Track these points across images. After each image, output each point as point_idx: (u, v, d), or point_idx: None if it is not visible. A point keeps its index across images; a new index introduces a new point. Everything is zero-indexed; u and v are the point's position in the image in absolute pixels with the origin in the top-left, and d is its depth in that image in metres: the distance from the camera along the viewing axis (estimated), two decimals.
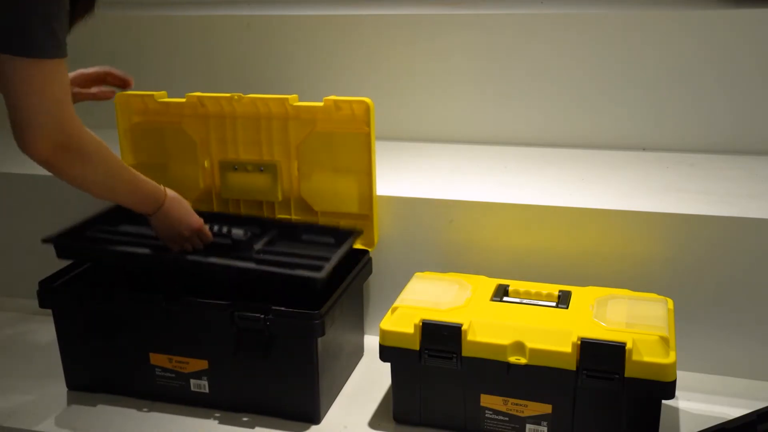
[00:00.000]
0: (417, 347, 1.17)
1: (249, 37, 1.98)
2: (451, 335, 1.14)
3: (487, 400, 1.17)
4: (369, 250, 1.44)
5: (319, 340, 1.20)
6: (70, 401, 1.32)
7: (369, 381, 1.38)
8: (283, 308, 1.20)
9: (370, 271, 1.43)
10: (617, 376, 1.08)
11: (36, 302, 1.30)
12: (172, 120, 1.51)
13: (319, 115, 1.42)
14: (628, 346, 1.08)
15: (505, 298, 1.26)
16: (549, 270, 1.41)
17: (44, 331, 1.43)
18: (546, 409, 1.15)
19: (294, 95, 1.45)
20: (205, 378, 1.26)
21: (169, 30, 2.04)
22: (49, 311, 1.31)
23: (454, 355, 1.15)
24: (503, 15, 1.82)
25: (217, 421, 1.25)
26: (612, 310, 1.20)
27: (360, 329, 1.47)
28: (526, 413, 1.16)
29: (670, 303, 1.25)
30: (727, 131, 1.71)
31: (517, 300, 1.26)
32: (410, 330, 1.17)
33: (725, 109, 1.70)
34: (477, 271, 1.44)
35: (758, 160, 1.64)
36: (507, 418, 1.17)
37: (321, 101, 1.42)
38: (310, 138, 1.44)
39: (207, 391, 1.27)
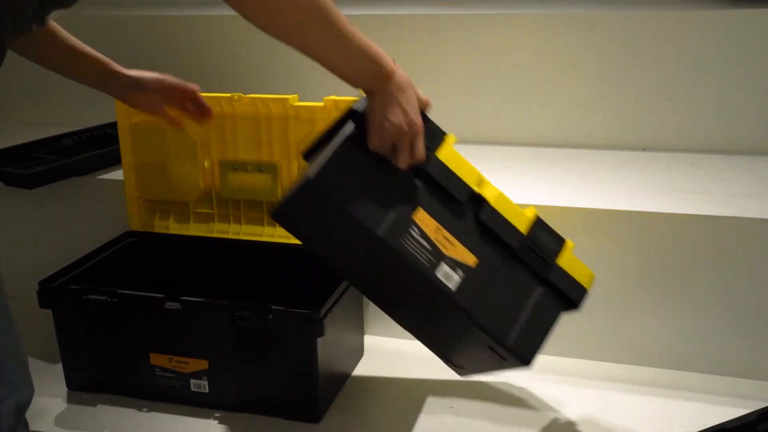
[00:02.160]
0: None
1: (249, 37, 1.98)
2: None
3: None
4: None
5: (319, 340, 1.20)
6: (70, 401, 1.32)
7: (369, 381, 1.38)
8: (283, 308, 1.20)
9: None
10: (550, 260, 1.13)
11: (36, 303, 1.30)
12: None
13: (319, 115, 1.42)
14: (567, 242, 1.14)
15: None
16: None
17: (44, 331, 1.42)
18: (472, 260, 1.07)
19: (294, 95, 1.45)
20: (205, 378, 1.26)
21: (169, 30, 2.04)
22: (49, 311, 1.31)
23: None
24: (503, 15, 1.82)
25: (217, 421, 1.25)
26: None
27: (360, 329, 1.47)
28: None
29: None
30: (727, 131, 1.71)
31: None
32: None
33: (725, 109, 1.70)
34: None
35: (758, 160, 1.64)
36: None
37: (321, 101, 1.42)
38: (310, 138, 1.44)
39: (207, 391, 1.27)
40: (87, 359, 1.32)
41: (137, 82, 1.32)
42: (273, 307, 1.20)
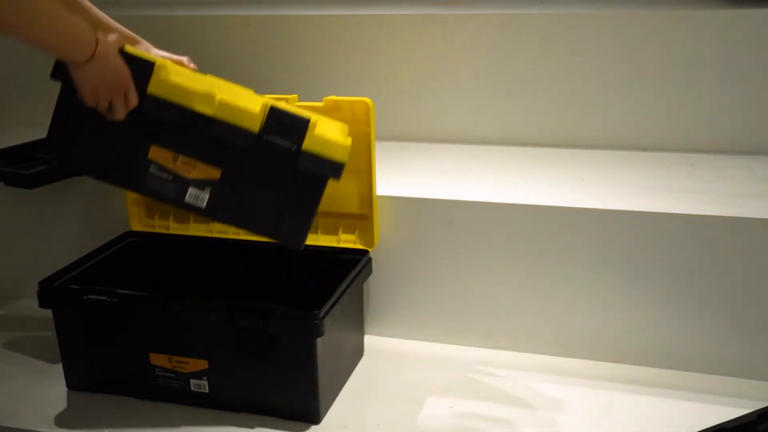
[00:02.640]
0: None
1: (249, 37, 1.98)
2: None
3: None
4: (369, 250, 1.44)
5: (319, 340, 1.20)
6: (70, 401, 1.32)
7: (369, 381, 1.38)
8: (283, 308, 1.20)
9: (370, 271, 1.43)
10: (295, 147, 1.14)
11: (36, 302, 1.30)
12: None
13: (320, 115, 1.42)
14: (312, 121, 1.14)
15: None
16: (550, 270, 1.41)
17: (44, 331, 1.42)
18: (215, 174, 1.15)
19: (294, 95, 1.45)
20: (205, 378, 1.26)
21: (168, 30, 2.04)
22: (49, 311, 1.31)
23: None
24: (503, 15, 1.82)
25: (217, 421, 1.25)
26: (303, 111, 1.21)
27: (360, 329, 1.47)
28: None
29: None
30: (727, 131, 1.71)
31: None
32: None
33: (725, 109, 1.70)
34: (475, 269, 1.45)
35: (758, 160, 1.64)
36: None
37: (321, 101, 1.41)
38: None
39: (207, 391, 1.27)
40: (87, 359, 1.32)
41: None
42: (273, 307, 1.20)
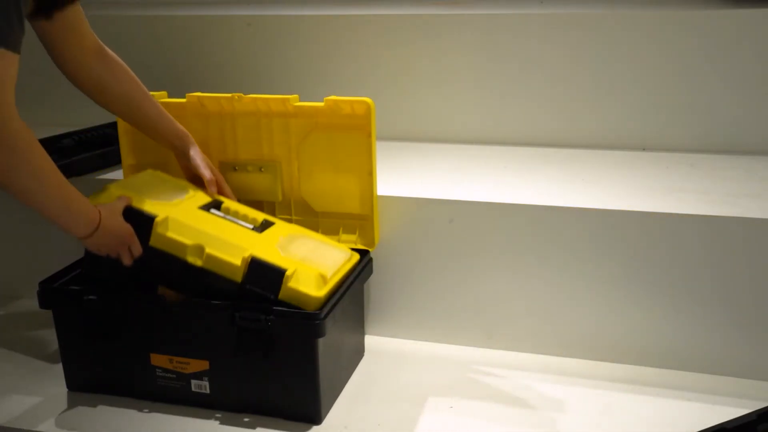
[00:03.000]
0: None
1: (249, 37, 1.98)
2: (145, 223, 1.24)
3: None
4: (369, 250, 1.44)
5: (320, 340, 1.20)
6: (71, 402, 1.32)
7: (370, 381, 1.38)
8: (284, 308, 1.20)
9: (370, 272, 1.43)
10: (272, 296, 1.20)
11: (36, 303, 1.30)
12: None
13: (320, 115, 1.42)
14: (288, 273, 1.20)
15: (212, 210, 1.35)
16: (550, 270, 1.41)
17: (44, 331, 1.42)
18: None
19: (295, 95, 1.45)
20: (206, 378, 1.26)
21: (169, 30, 2.04)
22: (50, 312, 1.31)
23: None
24: (503, 15, 1.82)
25: (217, 422, 1.25)
26: (296, 245, 1.31)
27: (361, 329, 1.47)
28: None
29: (355, 257, 1.38)
30: (727, 131, 1.71)
31: (221, 214, 1.35)
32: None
33: (725, 109, 1.70)
34: (475, 269, 1.45)
35: (758, 160, 1.64)
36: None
37: (322, 101, 1.42)
38: (310, 138, 1.44)
39: (208, 391, 1.27)
40: (87, 360, 1.32)
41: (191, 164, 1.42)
42: (274, 307, 1.20)
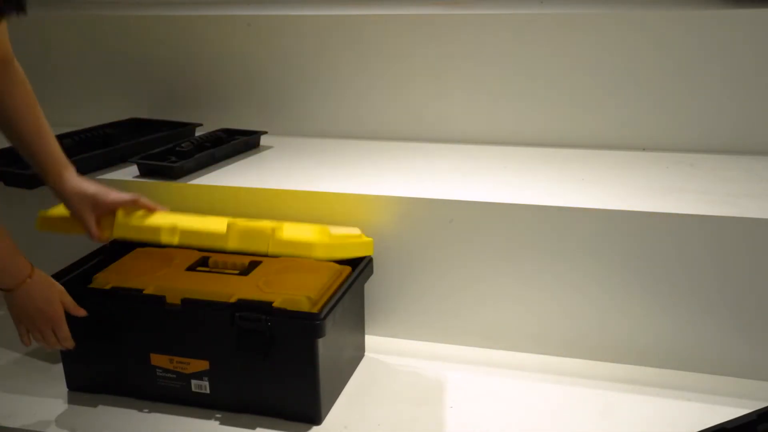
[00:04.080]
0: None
1: (249, 37, 1.98)
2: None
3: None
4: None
5: (320, 340, 1.20)
6: (71, 402, 1.32)
7: (370, 381, 1.38)
8: (284, 308, 1.20)
9: (370, 272, 1.43)
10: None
11: None
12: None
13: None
14: (275, 304, 1.21)
15: (198, 268, 1.38)
16: (549, 270, 1.41)
17: None
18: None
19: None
20: (206, 378, 1.26)
21: (168, 30, 2.04)
22: None
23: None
24: (503, 15, 1.82)
25: (218, 422, 1.25)
26: (282, 277, 1.33)
27: (361, 330, 1.47)
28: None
29: (346, 270, 1.37)
30: (727, 131, 1.71)
31: (207, 270, 1.38)
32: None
33: (725, 109, 1.70)
34: (475, 269, 1.45)
35: (758, 160, 1.64)
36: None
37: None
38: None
39: (208, 391, 1.27)
40: (87, 360, 1.32)
41: (87, 198, 1.28)
42: (274, 307, 1.20)
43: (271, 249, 1.23)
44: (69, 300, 1.20)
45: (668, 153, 1.71)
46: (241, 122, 1.94)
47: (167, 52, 2.03)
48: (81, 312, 1.21)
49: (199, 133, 1.86)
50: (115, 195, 1.28)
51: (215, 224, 1.27)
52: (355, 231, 1.41)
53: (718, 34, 1.67)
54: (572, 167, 1.63)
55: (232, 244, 1.24)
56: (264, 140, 1.88)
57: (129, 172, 1.65)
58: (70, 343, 1.21)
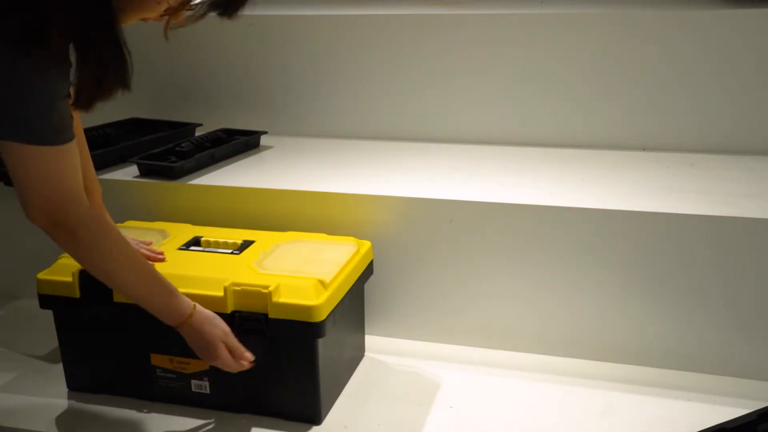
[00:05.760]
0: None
1: (249, 37, 1.98)
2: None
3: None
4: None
5: (320, 340, 1.20)
6: (71, 402, 1.32)
7: (370, 381, 1.38)
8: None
9: (371, 272, 1.43)
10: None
11: (37, 303, 1.30)
12: None
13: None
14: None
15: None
16: (549, 270, 1.41)
17: (44, 331, 1.42)
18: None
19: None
20: (206, 379, 1.26)
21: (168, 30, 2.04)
22: (50, 312, 1.31)
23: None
24: (503, 15, 1.82)
25: (218, 422, 1.25)
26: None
27: (361, 330, 1.47)
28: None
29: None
30: (727, 131, 1.71)
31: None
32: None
33: (725, 109, 1.70)
34: (475, 269, 1.45)
35: (758, 160, 1.64)
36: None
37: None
38: None
39: (208, 392, 1.27)
40: (87, 360, 1.32)
41: None
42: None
43: (271, 314, 1.19)
44: (233, 342, 1.17)
45: (668, 153, 1.72)
46: (241, 122, 1.94)
47: (167, 52, 2.03)
48: (247, 358, 1.18)
49: (199, 133, 1.86)
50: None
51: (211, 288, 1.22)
52: (350, 245, 1.37)
53: (718, 34, 1.67)
54: (572, 167, 1.63)
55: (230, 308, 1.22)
56: (264, 140, 1.88)
57: (129, 172, 1.65)
58: (247, 357, 1.18)
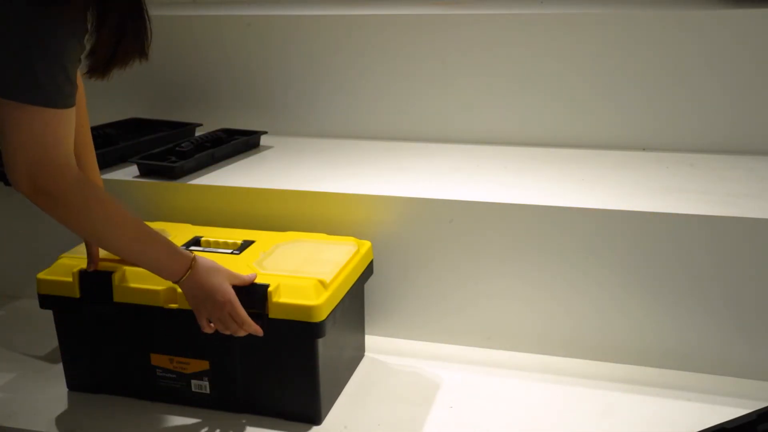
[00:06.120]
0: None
1: (249, 37, 1.98)
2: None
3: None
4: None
5: (320, 340, 1.20)
6: (71, 402, 1.32)
7: (370, 381, 1.38)
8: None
9: (371, 272, 1.43)
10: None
11: (37, 303, 1.30)
12: None
13: None
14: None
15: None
16: (550, 270, 1.41)
17: (44, 331, 1.42)
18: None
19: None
20: (206, 378, 1.26)
21: (169, 30, 2.04)
22: (50, 312, 1.31)
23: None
24: (503, 15, 1.82)
25: (217, 422, 1.25)
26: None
27: (361, 330, 1.47)
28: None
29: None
30: (727, 131, 1.71)
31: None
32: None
33: (725, 109, 1.70)
34: (475, 269, 1.45)
35: (758, 160, 1.64)
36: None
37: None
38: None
39: (208, 391, 1.27)
40: (87, 360, 1.32)
41: None
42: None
43: (271, 314, 1.19)
44: (238, 277, 1.17)
45: (668, 153, 1.71)
46: (241, 122, 1.94)
47: (167, 52, 2.03)
48: (252, 278, 1.18)
49: (199, 133, 1.86)
50: None
51: None
52: (350, 245, 1.37)
53: (718, 34, 1.67)
54: (572, 167, 1.63)
55: None
56: (264, 140, 1.88)
57: (129, 172, 1.65)
58: (251, 328, 1.15)
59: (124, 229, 1.08)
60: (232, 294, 1.14)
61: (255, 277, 1.19)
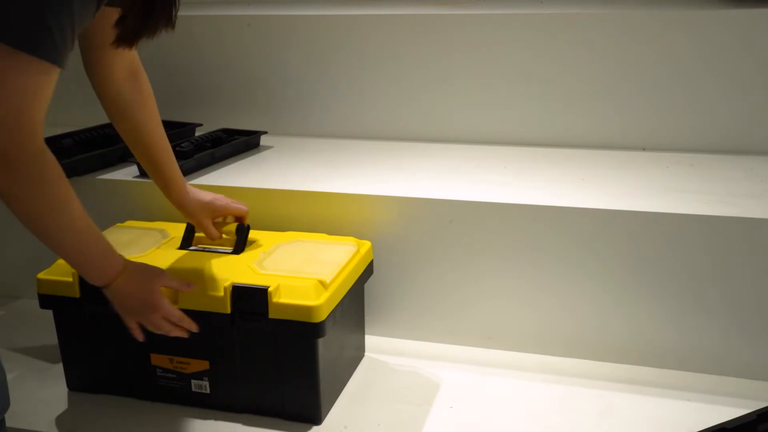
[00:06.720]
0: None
1: (249, 37, 1.98)
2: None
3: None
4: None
5: (320, 340, 1.20)
6: (71, 402, 1.32)
7: (370, 381, 1.38)
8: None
9: (371, 272, 1.43)
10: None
11: (37, 302, 1.30)
12: None
13: None
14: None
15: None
16: (549, 270, 1.41)
17: (44, 331, 1.42)
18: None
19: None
20: (206, 378, 1.26)
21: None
22: (50, 312, 1.31)
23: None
24: (503, 15, 1.82)
25: (218, 422, 1.25)
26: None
27: (361, 329, 1.47)
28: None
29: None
30: (727, 131, 1.71)
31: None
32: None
33: (725, 109, 1.70)
34: (475, 269, 1.45)
35: (758, 160, 1.64)
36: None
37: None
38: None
39: (208, 391, 1.27)
40: (87, 360, 1.32)
41: (205, 205, 1.34)
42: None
43: (271, 314, 1.19)
44: (172, 280, 1.14)
45: (668, 153, 1.71)
46: (241, 122, 1.94)
47: (167, 52, 2.03)
48: (190, 288, 1.16)
49: (199, 133, 1.86)
50: (224, 201, 1.36)
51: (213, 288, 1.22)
52: (350, 245, 1.37)
53: (718, 34, 1.67)
54: (572, 167, 1.63)
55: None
56: (264, 140, 1.88)
57: (129, 172, 1.65)
58: (188, 323, 1.14)
59: (70, 217, 0.99)
60: (161, 297, 1.12)
61: (193, 287, 1.18)
